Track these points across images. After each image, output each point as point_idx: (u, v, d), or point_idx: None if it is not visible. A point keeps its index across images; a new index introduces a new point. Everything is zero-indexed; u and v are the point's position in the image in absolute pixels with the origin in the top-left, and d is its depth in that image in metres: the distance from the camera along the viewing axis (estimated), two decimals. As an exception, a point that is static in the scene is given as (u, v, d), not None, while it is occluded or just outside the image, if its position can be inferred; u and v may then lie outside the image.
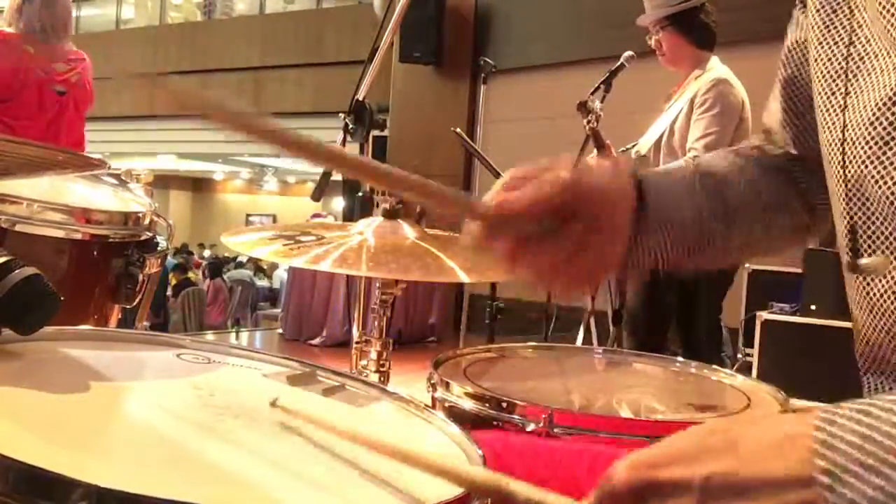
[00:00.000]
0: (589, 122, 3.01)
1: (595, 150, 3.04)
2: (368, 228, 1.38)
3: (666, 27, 3.17)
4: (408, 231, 1.39)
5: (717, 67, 3.15)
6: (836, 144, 0.71)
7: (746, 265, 4.49)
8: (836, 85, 0.72)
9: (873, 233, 0.68)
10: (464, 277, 1.25)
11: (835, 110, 0.72)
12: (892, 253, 0.66)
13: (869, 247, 0.68)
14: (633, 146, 3.30)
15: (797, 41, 0.86)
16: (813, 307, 3.76)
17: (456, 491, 0.66)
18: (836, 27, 0.73)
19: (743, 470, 0.44)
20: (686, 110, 3.10)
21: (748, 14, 5.28)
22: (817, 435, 0.43)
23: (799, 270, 3.95)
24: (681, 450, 0.47)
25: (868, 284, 0.69)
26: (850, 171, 0.69)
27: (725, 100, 3.02)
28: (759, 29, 5.31)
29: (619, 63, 3.27)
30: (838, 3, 0.74)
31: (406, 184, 0.67)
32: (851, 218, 0.70)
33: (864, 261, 0.67)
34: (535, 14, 7.38)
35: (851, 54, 0.70)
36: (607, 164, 0.79)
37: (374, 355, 1.46)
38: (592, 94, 3.14)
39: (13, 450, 0.55)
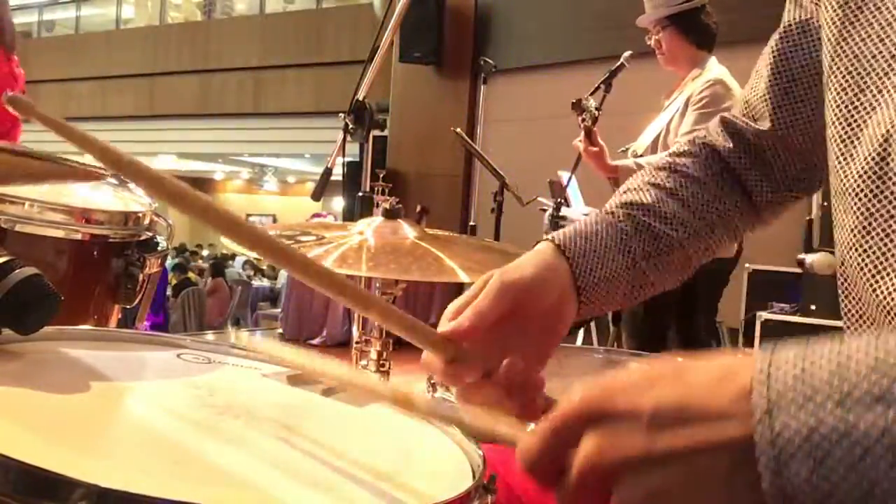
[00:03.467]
0: (584, 120, 3.01)
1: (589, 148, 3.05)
2: (368, 228, 1.38)
3: (666, 27, 3.17)
4: (408, 231, 1.39)
5: (714, 68, 3.16)
6: (853, 138, 0.70)
7: (746, 265, 4.49)
8: (864, 81, 0.71)
9: (891, 231, 0.67)
10: (464, 277, 1.25)
11: (862, 107, 0.71)
12: None
13: (884, 245, 0.68)
14: (629, 148, 3.30)
15: (796, 20, 0.85)
16: (813, 307, 3.76)
17: (455, 491, 0.66)
18: (862, 24, 0.72)
19: (689, 399, 0.46)
20: (682, 110, 3.10)
21: (748, 14, 5.28)
22: (758, 367, 0.45)
23: (799, 270, 3.95)
24: (631, 380, 0.49)
25: (877, 282, 0.68)
26: (879, 168, 0.68)
27: (720, 100, 3.02)
28: (759, 29, 5.31)
29: (618, 63, 3.27)
30: (863, 0, 0.73)
31: (369, 305, 0.69)
32: (858, 213, 0.69)
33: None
34: (535, 14, 7.38)
35: (882, 52, 0.70)
36: (530, 258, 0.81)
37: (374, 355, 1.46)
38: (592, 94, 3.15)
39: (13, 450, 0.55)
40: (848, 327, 0.73)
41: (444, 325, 0.74)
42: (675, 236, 0.85)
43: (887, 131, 0.67)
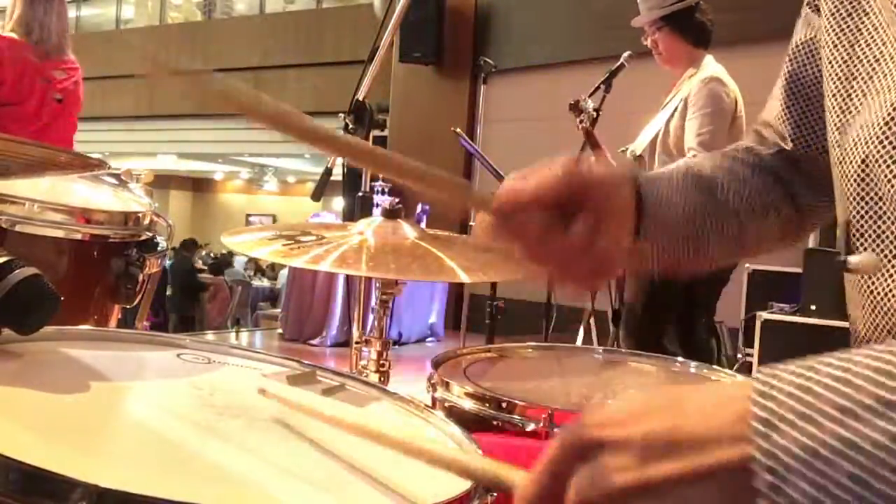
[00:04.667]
0: (581, 121, 3.01)
1: (591, 150, 3.04)
2: (368, 228, 1.38)
3: (662, 28, 3.18)
4: (408, 231, 1.39)
5: (710, 66, 3.16)
6: (849, 145, 0.71)
7: (746, 265, 4.49)
8: (851, 86, 0.72)
9: (882, 232, 0.68)
10: (464, 277, 1.25)
11: (849, 111, 0.72)
12: None
13: (877, 247, 0.68)
14: (628, 148, 3.30)
15: (805, 39, 0.86)
16: (813, 307, 3.76)
17: (454, 491, 0.66)
18: (850, 30, 0.74)
19: (682, 427, 0.45)
20: (681, 109, 3.10)
21: (747, 14, 5.28)
22: (757, 386, 0.44)
23: (799, 270, 3.95)
24: (625, 410, 0.48)
25: (872, 283, 0.69)
26: (863, 171, 0.69)
27: (718, 98, 3.03)
28: (758, 29, 5.31)
29: (618, 63, 3.28)
30: (852, 6, 0.74)
31: (415, 174, 0.68)
32: (849, 216, 0.70)
33: (854, 258, 0.68)
34: (535, 14, 7.38)
35: (867, 56, 0.71)
36: (606, 161, 0.81)
37: (374, 355, 1.46)
38: (591, 94, 3.15)
39: (13, 450, 0.55)
40: (855, 327, 0.73)
41: (504, 188, 0.72)
42: (730, 203, 0.86)
43: (868, 135, 0.68)
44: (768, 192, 0.89)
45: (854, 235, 0.70)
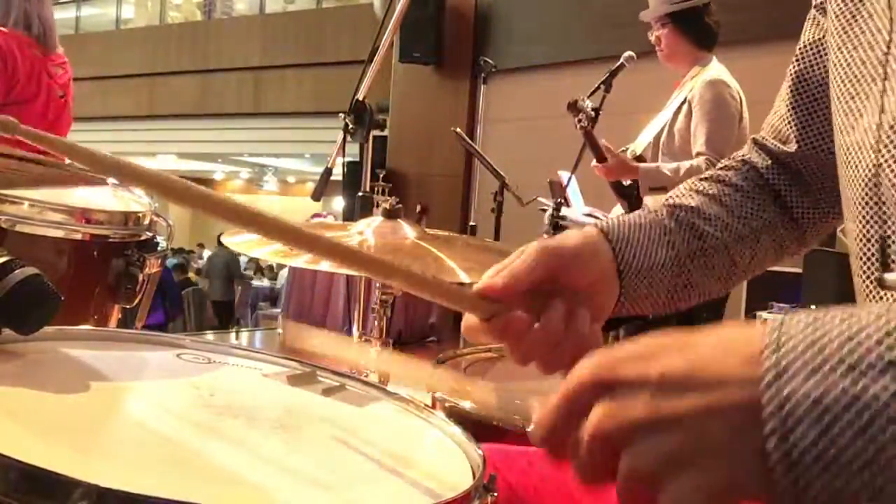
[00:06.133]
0: (580, 121, 3.00)
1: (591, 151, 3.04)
2: (368, 228, 1.38)
3: (667, 24, 3.17)
4: (408, 231, 1.39)
5: (714, 67, 3.15)
6: (861, 147, 0.71)
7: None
8: (855, 88, 0.72)
9: (888, 237, 0.67)
10: (464, 277, 1.25)
11: (854, 113, 0.72)
12: None
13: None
14: (628, 148, 3.30)
15: (813, 40, 0.86)
16: (813, 307, 3.75)
17: (455, 491, 0.66)
18: (854, 32, 0.74)
19: (696, 366, 0.46)
20: (685, 111, 3.09)
21: (748, 14, 5.28)
22: (769, 335, 0.45)
23: (799, 270, 3.95)
24: (640, 350, 0.49)
25: (878, 290, 0.69)
26: (868, 174, 0.69)
27: (723, 100, 3.02)
28: (759, 29, 5.32)
29: (619, 63, 3.27)
30: (856, 8, 0.74)
31: (402, 277, 0.69)
32: (882, 227, 0.69)
33: (891, 275, 0.68)
34: (535, 14, 7.38)
35: (870, 58, 0.71)
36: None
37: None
38: (591, 94, 3.14)
39: (13, 450, 0.55)
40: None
41: (480, 284, 0.73)
42: (718, 237, 0.86)
43: (873, 138, 0.68)
44: (760, 214, 0.89)
45: (876, 245, 0.70)
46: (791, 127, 0.89)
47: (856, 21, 0.74)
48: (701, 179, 0.92)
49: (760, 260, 0.90)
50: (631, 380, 0.48)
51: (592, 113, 3.05)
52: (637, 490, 0.47)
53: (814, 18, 0.87)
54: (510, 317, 0.70)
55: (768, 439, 0.43)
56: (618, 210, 3.21)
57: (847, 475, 0.41)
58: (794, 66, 0.88)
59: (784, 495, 0.42)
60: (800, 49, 0.88)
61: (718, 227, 0.86)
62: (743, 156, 0.94)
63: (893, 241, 0.68)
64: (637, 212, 0.87)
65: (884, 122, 0.68)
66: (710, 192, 0.89)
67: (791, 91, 0.89)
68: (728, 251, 0.86)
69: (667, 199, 0.89)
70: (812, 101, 0.87)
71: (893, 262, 0.68)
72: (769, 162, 0.92)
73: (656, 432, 0.46)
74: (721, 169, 0.93)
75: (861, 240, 0.71)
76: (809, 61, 0.87)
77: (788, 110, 0.90)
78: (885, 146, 0.67)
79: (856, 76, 0.73)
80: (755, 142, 0.94)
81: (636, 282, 0.81)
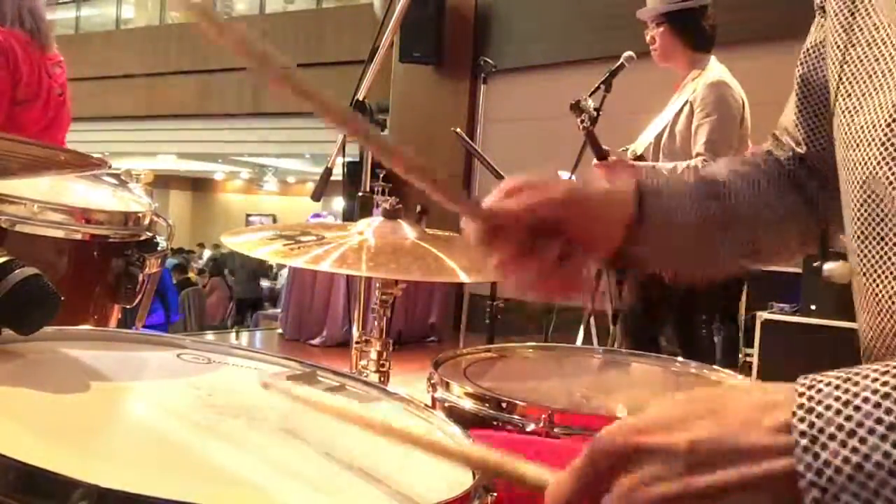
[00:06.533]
0: (582, 121, 3.00)
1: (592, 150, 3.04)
2: (368, 228, 1.38)
3: (662, 24, 3.17)
4: (408, 231, 1.39)
5: (714, 69, 3.14)
6: (852, 146, 0.71)
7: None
8: (852, 86, 0.72)
9: (885, 235, 0.67)
10: (464, 277, 1.25)
11: (851, 112, 0.72)
12: None
13: (880, 249, 0.68)
14: (628, 148, 3.29)
15: (816, 42, 0.87)
16: (813, 307, 3.76)
17: (455, 491, 0.66)
18: (851, 30, 0.74)
19: (727, 435, 0.45)
20: (687, 112, 3.09)
21: (748, 14, 5.28)
22: (799, 400, 0.44)
23: (799, 270, 3.95)
24: (667, 416, 0.48)
25: (876, 287, 0.69)
26: (865, 173, 0.69)
27: (725, 102, 3.02)
28: (759, 29, 5.31)
29: (618, 63, 3.27)
30: (854, 6, 0.74)
31: (415, 169, 0.71)
32: (879, 226, 0.69)
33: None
34: (535, 14, 7.38)
35: (867, 55, 0.71)
36: (606, 174, 0.83)
37: (374, 355, 1.46)
38: (591, 94, 3.14)
39: (13, 450, 0.55)
40: (861, 330, 0.73)
41: (494, 200, 0.76)
42: (743, 212, 0.87)
43: (870, 136, 0.68)
44: (785, 200, 0.90)
45: (859, 239, 0.70)
46: (799, 130, 0.90)
47: (854, 18, 0.74)
48: (733, 159, 0.95)
49: (783, 246, 0.92)
50: (657, 449, 0.46)
51: (595, 113, 3.05)
52: None
53: (818, 20, 0.87)
54: (510, 235, 0.74)
55: None
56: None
57: None
58: (799, 69, 0.89)
59: None
60: (804, 52, 0.88)
61: (745, 203, 0.88)
62: (767, 148, 0.96)
63: (891, 240, 0.68)
64: (675, 168, 0.92)
65: (885, 121, 0.68)
66: (742, 171, 0.91)
67: (798, 95, 0.90)
68: (751, 228, 0.88)
69: (697, 171, 0.92)
70: (817, 104, 0.87)
71: (891, 260, 0.68)
72: (789, 154, 0.93)
73: None
74: (751, 155, 0.95)
75: (858, 237, 0.71)
76: (812, 64, 0.87)
77: (796, 114, 0.91)
78: (884, 144, 0.67)
79: (853, 74, 0.72)
80: (774, 137, 0.96)
81: (658, 236, 0.83)
